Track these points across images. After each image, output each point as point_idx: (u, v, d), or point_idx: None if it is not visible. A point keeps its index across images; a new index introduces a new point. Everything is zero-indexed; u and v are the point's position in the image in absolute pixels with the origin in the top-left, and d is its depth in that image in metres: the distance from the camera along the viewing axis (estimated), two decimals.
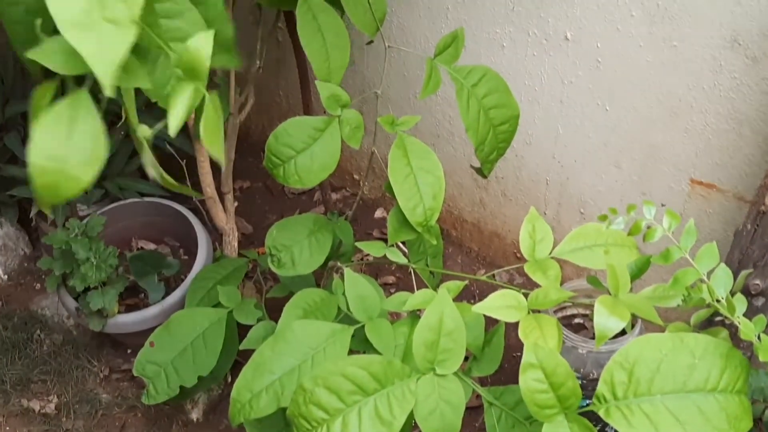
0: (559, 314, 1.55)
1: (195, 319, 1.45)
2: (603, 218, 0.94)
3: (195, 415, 1.65)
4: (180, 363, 1.42)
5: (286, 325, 1.13)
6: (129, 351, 1.79)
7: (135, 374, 1.43)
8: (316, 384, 0.88)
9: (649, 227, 0.90)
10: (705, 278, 0.88)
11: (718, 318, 0.95)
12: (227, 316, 1.45)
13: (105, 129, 1.77)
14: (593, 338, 1.44)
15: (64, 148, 0.64)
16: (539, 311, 0.93)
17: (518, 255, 1.87)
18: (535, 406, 0.78)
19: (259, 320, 1.42)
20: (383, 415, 0.87)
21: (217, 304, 1.49)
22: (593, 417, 0.82)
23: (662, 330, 0.89)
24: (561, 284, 1.00)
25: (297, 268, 1.33)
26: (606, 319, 0.81)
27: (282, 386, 1.08)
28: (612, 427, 1.22)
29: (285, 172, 1.22)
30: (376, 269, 1.90)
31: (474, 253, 1.97)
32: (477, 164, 1.31)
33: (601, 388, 0.78)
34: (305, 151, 1.21)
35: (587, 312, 1.56)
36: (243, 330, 1.44)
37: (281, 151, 1.21)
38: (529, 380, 0.78)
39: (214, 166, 1.55)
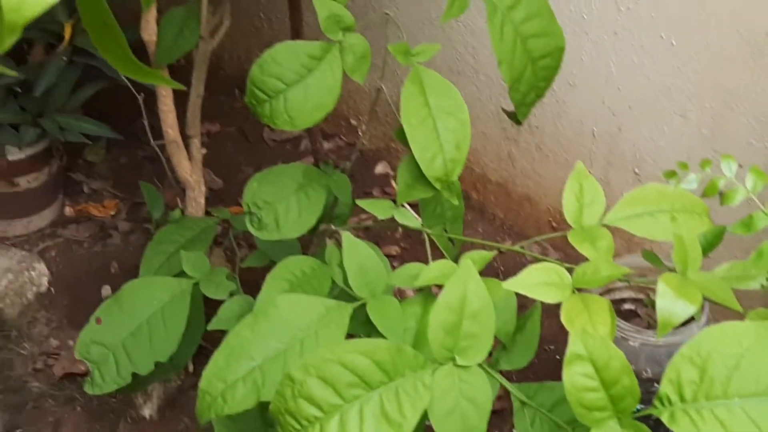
0: (606, 297, 1.55)
1: (152, 291, 1.43)
2: (670, 175, 0.93)
3: (148, 410, 1.65)
4: (133, 345, 1.41)
5: (268, 301, 1.12)
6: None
7: (77, 357, 1.42)
8: (308, 374, 0.87)
9: (728, 188, 0.89)
10: None
11: None
12: (192, 289, 1.44)
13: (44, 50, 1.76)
14: (648, 328, 1.45)
15: None
16: (585, 291, 0.92)
17: (554, 225, 1.87)
18: (581, 408, 0.77)
19: (231, 294, 1.41)
20: (390, 415, 0.86)
21: (180, 274, 1.47)
22: (649, 424, 0.81)
23: (740, 318, 0.89)
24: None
25: (282, 231, 1.33)
26: (672, 303, 0.80)
27: (263, 375, 1.07)
28: None
29: (272, 110, 1.20)
30: (375, 237, 1.90)
31: (499, 221, 1.97)
32: (508, 107, 1.30)
33: (665, 387, 0.77)
34: (297, 84, 1.20)
35: (640, 296, 1.56)
36: (210, 307, 1.43)
37: (268, 84, 1.20)
38: (576, 375, 0.77)
39: (179, 104, 1.54)
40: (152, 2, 0.99)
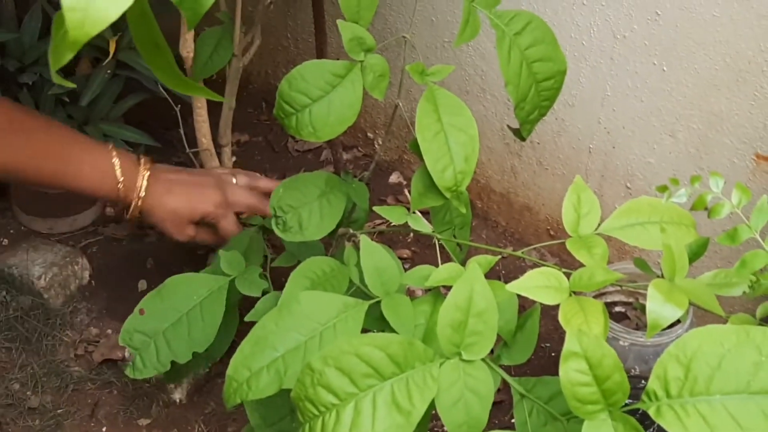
0: (598, 300, 1.55)
1: (192, 286, 1.44)
2: (662, 189, 0.93)
3: (178, 395, 1.66)
4: (173, 335, 1.42)
5: (291, 296, 1.12)
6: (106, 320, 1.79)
7: (120, 343, 1.43)
8: (326, 364, 0.87)
9: (715, 202, 0.89)
10: None
11: None
12: (228, 285, 1.45)
13: (90, 63, 1.76)
14: (636, 329, 1.45)
15: None
16: (581, 294, 0.92)
17: (552, 233, 1.87)
18: (575, 401, 0.78)
19: (265, 292, 1.42)
20: (401, 403, 0.87)
21: (216, 272, 1.48)
22: (636, 418, 0.81)
23: (722, 322, 0.89)
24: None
25: (305, 233, 1.33)
26: (661, 306, 0.80)
27: (285, 365, 1.08)
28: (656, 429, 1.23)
29: (297, 123, 1.21)
30: (389, 241, 1.90)
31: (501, 228, 1.97)
32: (514, 125, 1.31)
33: (653, 383, 0.77)
34: (322, 100, 1.20)
35: (630, 300, 1.56)
36: (243, 304, 1.44)
37: (295, 99, 1.20)
38: (571, 371, 0.77)
39: (212, 115, 1.55)
40: (195, 24, 0.99)
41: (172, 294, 1.44)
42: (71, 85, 0.96)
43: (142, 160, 1.45)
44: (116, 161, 1.39)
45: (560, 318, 0.85)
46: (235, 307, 1.47)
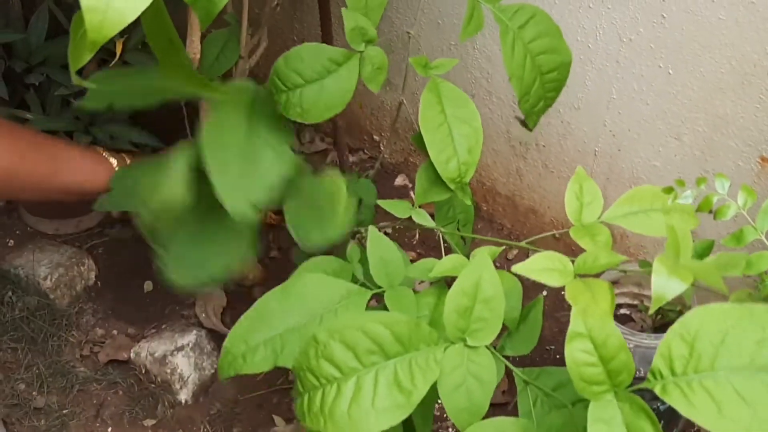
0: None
1: None
2: (668, 191, 0.93)
3: (184, 395, 1.66)
4: None
5: (297, 278, 1.12)
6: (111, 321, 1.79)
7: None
8: (332, 337, 0.87)
9: (721, 204, 0.89)
10: None
11: None
12: None
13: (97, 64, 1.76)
14: (641, 331, 1.44)
15: None
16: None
17: (557, 236, 1.87)
18: (581, 381, 0.78)
19: None
20: (403, 383, 0.87)
21: None
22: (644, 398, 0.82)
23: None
24: (603, 272, 0.99)
25: (325, 236, 1.33)
26: (666, 280, 0.80)
27: (282, 343, 1.08)
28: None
29: (287, 101, 1.20)
30: (394, 240, 1.90)
31: (506, 231, 1.97)
32: (518, 130, 1.31)
33: (657, 362, 0.77)
34: (315, 83, 1.20)
35: (635, 302, 1.55)
36: None
37: (288, 77, 1.20)
38: (576, 351, 0.77)
39: None
40: (208, 24, 1.00)
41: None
42: (91, 85, 0.96)
43: (128, 156, 1.43)
44: (106, 155, 1.38)
45: (567, 296, 0.85)
46: None
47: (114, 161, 1.35)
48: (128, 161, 1.38)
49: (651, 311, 0.79)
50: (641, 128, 1.62)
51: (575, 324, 0.77)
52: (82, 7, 0.70)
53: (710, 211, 1.05)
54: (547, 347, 1.72)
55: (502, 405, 1.54)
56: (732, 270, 0.88)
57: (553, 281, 0.87)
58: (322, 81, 1.21)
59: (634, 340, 1.41)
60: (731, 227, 1.03)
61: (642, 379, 1.41)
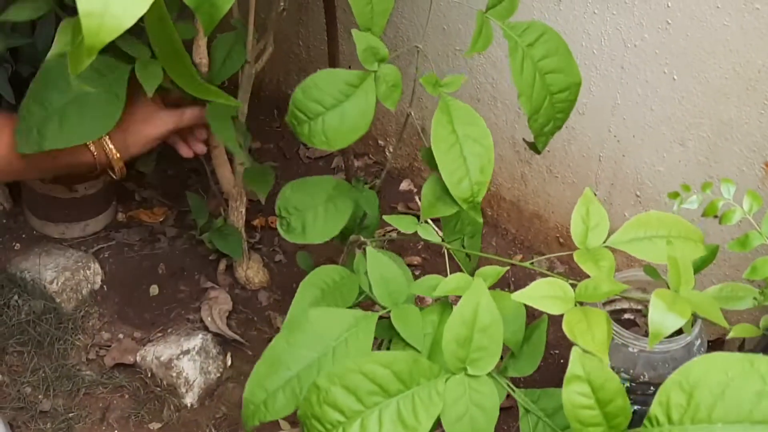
0: (608, 308, 1.54)
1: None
2: (674, 195, 0.92)
3: (189, 399, 1.65)
4: None
5: (301, 314, 1.12)
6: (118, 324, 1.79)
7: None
8: (332, 382, 0.87)
9: (726, 209, 0.89)
10: None
11: None
12: None
13: None
14: (646, 336, 1.43)
15: None
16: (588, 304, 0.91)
17: (561, 240, 1.86)
18: (577, 423, 0.77)
19: None
20: (407, 420, 0.86)
21: None
22: None
23: (726, 331, 0.88)
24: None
25: (307, 236, 1.33)
26: (663, 315, 0.79)
27: (300, 383, 1.07)
28: None
29: (310, 131, 1.20)
30: (399, 247, 1.89)
31: (511, 236, 1.96)
32: (522, 134, 1.30)
33: (655, 409, 0.76)
34: (335, 109, 1.19)
35: (639, 307, 1.55)
36: None
37: (308, 107, 1.19)
38: (574, 394, 0.76)
39: None
40: (210, 30, 0.99)
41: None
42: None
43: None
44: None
45: (564, 328, 0.84)
46: None
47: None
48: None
49: (650, 345, 0.78)
50: (646, 134, 1.61)
51: (574, 367, 0.76)
52: (79, 12, 0.69)
53: (716, 216, 1.04)
54: (552, 352, 1.71)
55: (506, 409, 1.53)
56: (733, 304, 0.87)
57: (553, 309, 0.87)
58: (342, 106, 1.20)
59: (638, 344, 1.41)
60: (736, 233, 1.02)
61: (646, 384, 1.41)
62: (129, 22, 0.71)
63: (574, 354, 0.77)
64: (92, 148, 1.35)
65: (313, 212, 1.34)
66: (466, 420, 0.89)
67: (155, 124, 1.41)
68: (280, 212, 1.35)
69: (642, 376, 1.42)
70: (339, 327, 1.09)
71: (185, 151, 1.53)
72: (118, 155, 1.38)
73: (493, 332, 0.90)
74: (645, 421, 0.77)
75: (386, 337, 1.14)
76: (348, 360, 0.88)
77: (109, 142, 1.36)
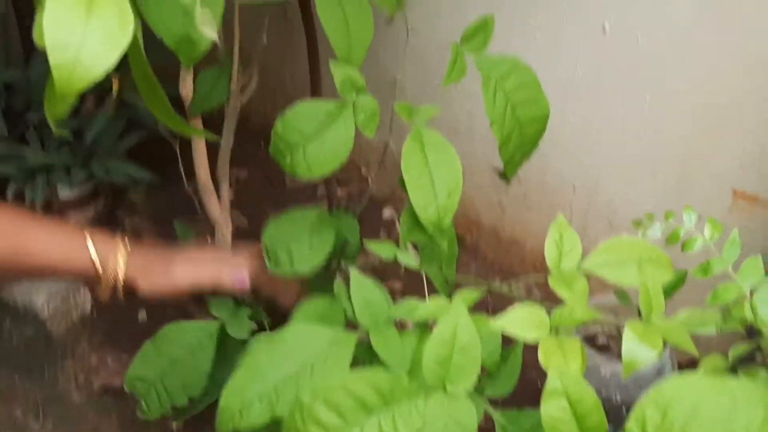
0: (581, 332, 1.54)
1: (183, 334, 1.45)
2: (638, 224, 0.93)
3: (176, 423, 1.64)
4: (168, 382, 1.42)
5: (284, 329, 1.12)
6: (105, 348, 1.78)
7: (126, 390, 1.43)
8: (316, 399, 0.87)
9: (688, 236, 0.90)
10: (748, 295, 0.88)
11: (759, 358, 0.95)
12: (218, 331, 1.45)
13: (95, 102, 1.74)
14: (619, 358, 1.44)
15: (81, 31, 0.70)
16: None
17: (537, 265, 1.86)
18: None
19: (254, 333, 1.42)
20: None
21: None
22: None
23: (695, 359, 0.89)
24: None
25: (295, 266, 1.33)
26: (636, 347, 0.80)
27: (277, 395, 1.07)
28: None
29: (292, 161, 1.21)
30: (381, 272, 1.89)
31: (489, 261, 1.96)
32: (498, 165, 1.31)
33: (631, 424, 0.77)
34: (316, 138, 1.20)
35: (611, 332, 1.55)
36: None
37: (290, 137, 1.20)
38: (552, 409, 0.77)
39: (212, 152, 1.54)
40: (191, 66, 1.00)
41: (165, 343, 1.44)
42: (65, 133, 0.96)
43: (119, 238, 1.38)
44: (88, 236, 1.32)
45: (540, 356, 0.85)
46: (230, 347, 1.46)
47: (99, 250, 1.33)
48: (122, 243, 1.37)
49: (624, 377, 0.79)
50: (618, 163, 1.62)
51: (553, 382, 0.77)
52: (51, 63, 0.69)
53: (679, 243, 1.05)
54: (528, 375, 1.70)
55: (484, 430, 1.53)
56: (702, 328, 0.88)
57: (530, 336, 0.87)
58: (322, 135, 1.21)
59: (611, 368, 1.41)
60: (702, 259, 1.03)
61: (619, 406, 1.41)
62: (100, 71, 0.71)
63: (552, 370, 0.78)
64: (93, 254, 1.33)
65: (297, 243, 1.35)
66: None
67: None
68: (267, 247, 1.35)
69: (615, 399, 1.42)
70: (320, 343, 1.09)
71: None
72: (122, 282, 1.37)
73: (471, 351, 0.91)
74: None
75: (366, 357, 1.14)
76: (330, 376, 0.88)
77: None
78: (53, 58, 0.69)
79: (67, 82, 0.70)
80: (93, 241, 1.32)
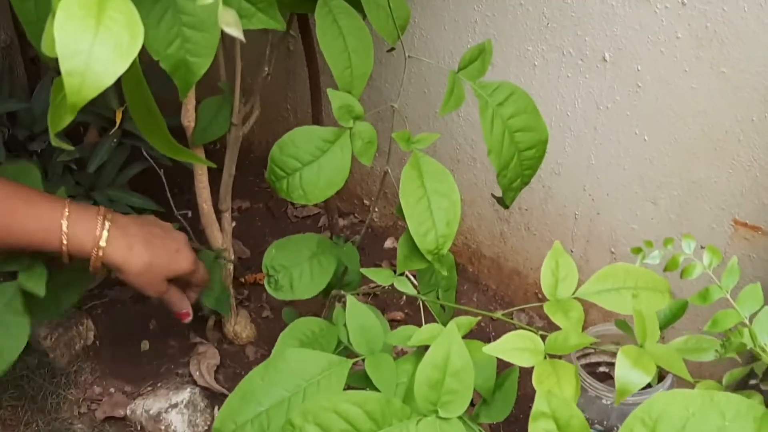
0: (583, 361, 1.53)
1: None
2: (636, 251, 0.92)
3: None
4: None
5: (278, 353, 1.11)
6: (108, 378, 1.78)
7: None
8: (306, 420, 0.86)
9: (687, 264, 0.89)
10: (747, 322, 0.87)
11: (753, 381, 0.94)
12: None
13: (98, 132, 1.74)
14: None
15: (91, 38, 0.70)
16: (558, 356, 0.91)
17: (540, 296, 1.85)
18: None
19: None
20: None
21: None
22: None
23: (692, 386, 0.88)
24: (586, 328, 0.98)
25: (295, 292, 1.32)
26: (628, 372, 0.80)
27: (269, 419, 1.06)
28: None
29: (288, 186, 1.21)
30: (383, 304, 1.89)
31: (491, 292, 1.95)
32: (499, 193, 1.30)
33: None
34: (312, 164, 1.21)
35: (613, 361, 1.54)
36: None
37: (286, 163, 1.21)
38: (540, 430, 0.76)
39: (215, 182, 1.54)
40: (187, 93, 1.00)
41: None
42: (70, 147, 0.96)
43: (102, 211, 1.31)
44: (66, 212, 1.25)
45: (533, 380, 0.84)
46: None
47: (74, 227, 1.25)
48: (104, 217, 1.30)
49: (617, 402, 0.78)
50: (619, 192, 1.61)
51: (540, 404, 0.76)
52: (62, 70, 0.70)
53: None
54: (530, 405, 1.69)
55: None
56: (698, 356, 0.87)
57: (523, 361, 0.87)
58: (318, 161, 1.21)
59: (612, 397, 1.39)
60: (701, 285, 1.03)
61: None
62: (109, 80, 0.71)
63: (540, 392, 0.77)
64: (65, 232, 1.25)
65: (299, 269, 1.35)
66: None
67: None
68: (268, 270, 1.35)
69: (615, 428, 1.41)
70: (313, 369, 1.09)
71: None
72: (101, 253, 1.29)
73: (464, 376, 0.90)
74: None
75: (360, 384, 1.13)
76: (322, 398, 0.87)
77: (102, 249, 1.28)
78: (64, 66, 0.69)
79: (78, 89, 0.70)
80: (69, 212, 1.25)
